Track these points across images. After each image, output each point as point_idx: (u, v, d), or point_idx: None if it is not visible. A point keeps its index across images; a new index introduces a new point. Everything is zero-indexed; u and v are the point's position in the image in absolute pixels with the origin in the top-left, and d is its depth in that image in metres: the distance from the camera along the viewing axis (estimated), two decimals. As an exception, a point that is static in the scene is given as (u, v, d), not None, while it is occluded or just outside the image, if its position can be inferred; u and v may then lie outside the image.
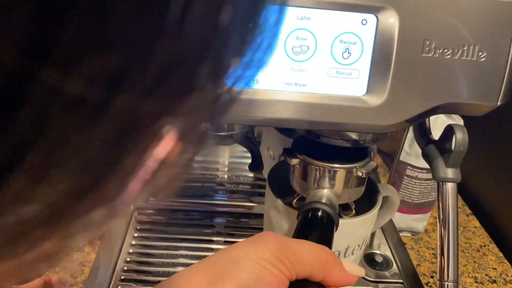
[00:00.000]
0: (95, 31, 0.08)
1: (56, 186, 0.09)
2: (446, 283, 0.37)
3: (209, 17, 0.09)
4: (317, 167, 0.42)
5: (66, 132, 0.09)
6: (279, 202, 0.47)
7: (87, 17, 0.08)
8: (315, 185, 0.42)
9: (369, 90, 0.35)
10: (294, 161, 0.43)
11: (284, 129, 0.56)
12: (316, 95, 0.35)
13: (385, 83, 0.34)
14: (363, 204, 0.48)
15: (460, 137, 0.37)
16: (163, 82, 0.09)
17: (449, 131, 0.38)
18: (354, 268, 0.32)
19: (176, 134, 0.11)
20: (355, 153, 0.43)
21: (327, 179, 0.42)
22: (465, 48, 0.34)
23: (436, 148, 0.40)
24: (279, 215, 0.47)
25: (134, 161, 0.10)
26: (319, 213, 0.39)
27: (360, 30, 0.34)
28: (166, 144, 0.11)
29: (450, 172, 0.38)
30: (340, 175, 0.42)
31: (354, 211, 0.47)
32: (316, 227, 0.38)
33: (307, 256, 0.30)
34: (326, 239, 0.37)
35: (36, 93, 0.08)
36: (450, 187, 0.38)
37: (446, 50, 0.34)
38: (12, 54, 0.08)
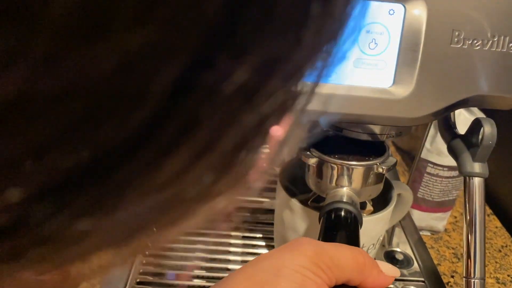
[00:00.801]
0: (266, 20, 0.09)
1: (207, 167, 0.10)
2: (473, 280, 0.36)
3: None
4: (334, 165, 0.41)
5: (225, 116, 0.09)
6: (293, 201, 0.45)
7: (262, 7, 0.09)
8: (333, 184, 0.41)
9: (395, 82, 0.34)
10: (312, 161, 0.41)
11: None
12: (341, 86, 0.34)
13: (412, 74, 0.34)
14: (378, 202, 0.47)
15: (488, 131, 0.36)
16: (302, 69, 0.10)
17: (476, 125, 0.38)
18: (390, 269, 0.31)
19: (291, 116, 0.11)
20: (372, 149, 0.42)
21: (346, 177, 0.41)
22: (495, 39, 0.33)
23: (462, 142, 0.39)
24: (292, 215, 0.46)
25: (260, 141, 0.11)
26: (343, 213, 0.37)
27: (387, 20, 0.33)
28: (283, 126, 0.11)
29: (477, 167, 0.37)
30: (360, 172, 0.41)
31: (372, 208, 0.46)
32: (342, 228, 0.37)
33: (345, 260, 0.29)
34: (353, 240, 0.35)
35: (208, 79, 0.09)
36: (477, 182, 0.37)
37: (475, 41, 0.33)
38: (198, 43, 0.08)
